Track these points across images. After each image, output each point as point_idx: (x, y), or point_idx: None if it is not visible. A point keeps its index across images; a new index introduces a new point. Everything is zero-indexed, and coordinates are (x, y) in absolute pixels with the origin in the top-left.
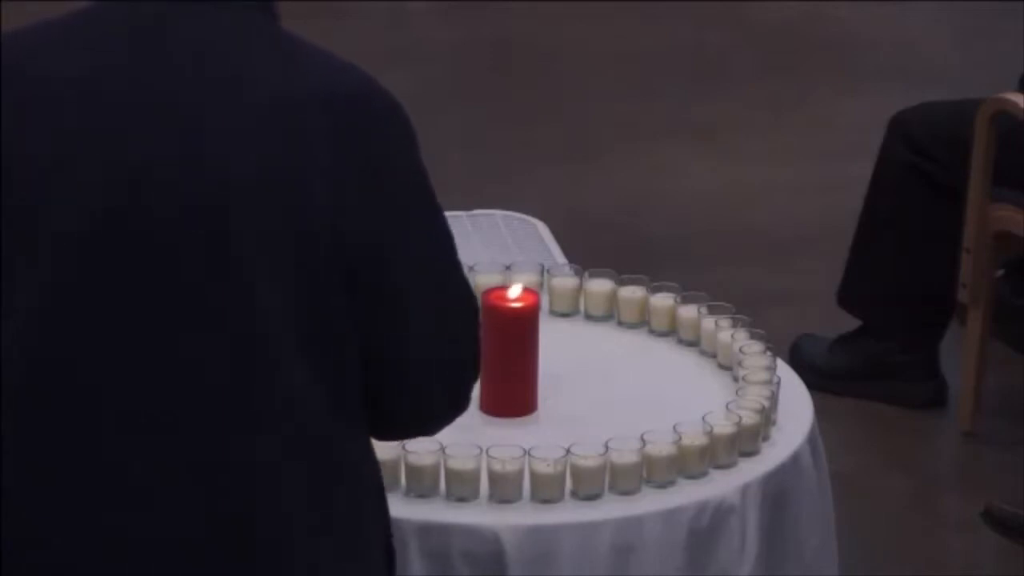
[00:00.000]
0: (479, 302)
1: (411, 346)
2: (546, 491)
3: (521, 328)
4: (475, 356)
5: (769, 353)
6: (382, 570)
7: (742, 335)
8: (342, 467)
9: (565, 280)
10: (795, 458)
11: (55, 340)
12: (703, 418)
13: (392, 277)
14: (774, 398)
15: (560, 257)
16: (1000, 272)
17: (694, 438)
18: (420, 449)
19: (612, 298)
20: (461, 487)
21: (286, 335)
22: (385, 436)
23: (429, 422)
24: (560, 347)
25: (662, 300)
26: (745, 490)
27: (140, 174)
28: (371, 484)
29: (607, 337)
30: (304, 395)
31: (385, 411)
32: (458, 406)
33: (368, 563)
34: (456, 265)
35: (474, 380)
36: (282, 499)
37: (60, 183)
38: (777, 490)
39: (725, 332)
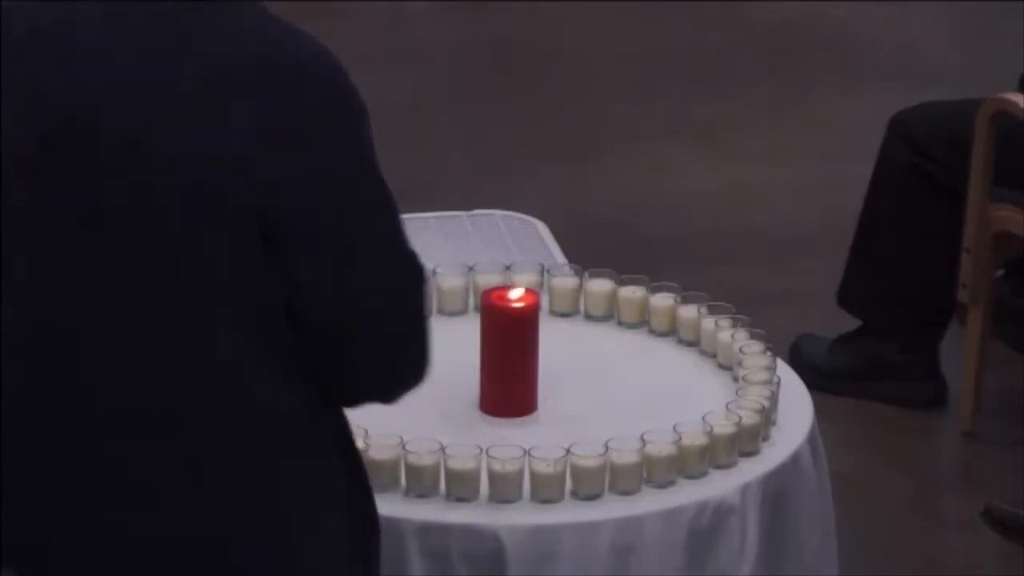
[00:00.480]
0: (425, 273)
1: (355, 315)
2: (546, 491)
3: (521, 328)
4: (421, 324)
5: (769, 353)
6: (373, 565)
7: (742, 335)
8: (338, 466)
9: (565, 280)
10: (795, 458)
11: (55, 340)
12: (703, 418)
13: (333, 247)
14: (774, 398)
15: (560, 257)
16: (1000, 272)
17: (694, 438)
18: (420, 449)
19: (612, 298)
20: (461, 487)
21: (248, 332)
22: (348, 404)
23: (384, 392)
24: (560, 347)
25: (662, 300)
26: (745, 490)
27: (138, 173)
28: (363, 482)
29: (607, 337)
30: (294, 395)
31: (338, 382)
32: (414, 373)
33: (365, 561)
34: (397, 235)
35: (424, 347)
36: (282, 498)
37: (59, 183)
38: (777, 490)
39: (725, 332)
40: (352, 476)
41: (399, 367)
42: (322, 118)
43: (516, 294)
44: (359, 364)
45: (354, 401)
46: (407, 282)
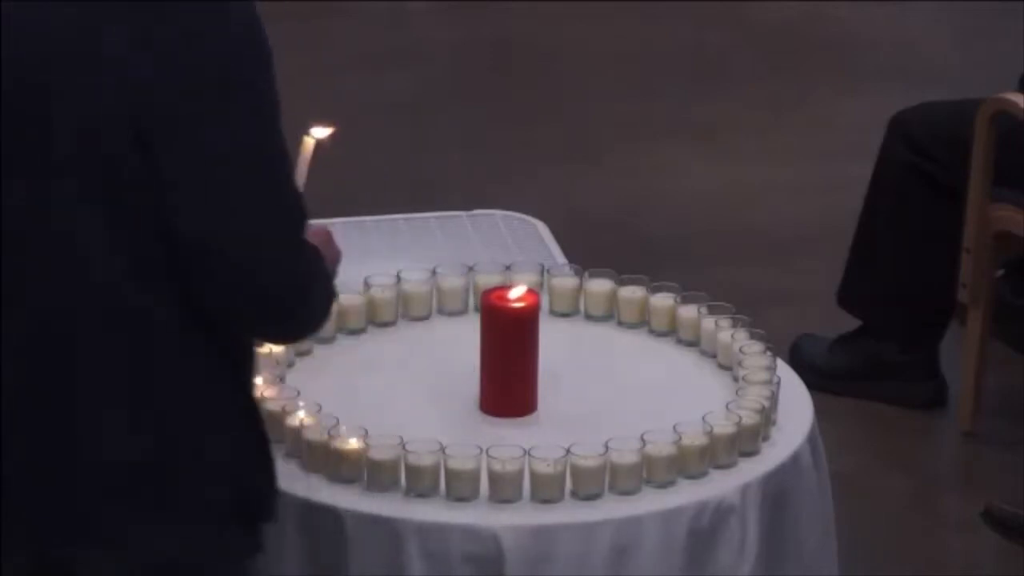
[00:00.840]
0: (306, 211)
1: (230, 242)
2: (546, 491)
3: (521, 328)
4: (298, 262)
5: (769, 353)
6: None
7: (742, 335)
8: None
9: (565, 280)
10: (795, 458)
11: (55, 340)
12: (703, 418)
13: (211, 173)
14: (774, 398)
15: (560, 257)
16: (1000, 272)
17: (694, 438)
18: (420, 449)
19: (612, 298)
20: (461, 487)
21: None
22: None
23: (268, 328)
24: (560, 347)
25: (662, 300)
26: (745, 490)
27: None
28: (262, 453)
29: (607, 337)
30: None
31: (222, 314)
32: (306, 305)
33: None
34: (276, 172)
35: (302, 288)
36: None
37: (57, 182)
38: (777, 490)
39: (725, 332)
40: (242, 447)
41: (280, 306)
42: (211, 43)
43: (516, 294)
44: (238, 298)
45: (244, 331)
46: (280, 217)
